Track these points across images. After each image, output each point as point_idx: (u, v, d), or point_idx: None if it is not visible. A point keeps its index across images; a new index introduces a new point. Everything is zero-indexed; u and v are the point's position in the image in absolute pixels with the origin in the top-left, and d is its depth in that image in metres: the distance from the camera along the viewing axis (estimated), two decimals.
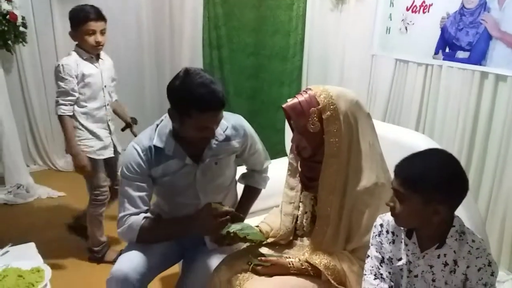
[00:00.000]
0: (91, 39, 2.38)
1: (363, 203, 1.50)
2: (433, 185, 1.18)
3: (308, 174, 1.62)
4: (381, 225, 1.39)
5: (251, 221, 1.83)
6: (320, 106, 1.49)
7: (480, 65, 2.36)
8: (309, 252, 1.57)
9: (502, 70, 2.26)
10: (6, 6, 3.19)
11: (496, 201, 2.37)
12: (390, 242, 1.36)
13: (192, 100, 1.46)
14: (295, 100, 1.53)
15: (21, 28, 3.35)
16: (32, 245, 1.93)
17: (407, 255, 1.32)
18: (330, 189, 1.52)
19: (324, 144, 1.51)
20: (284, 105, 1.54)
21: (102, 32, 2.42)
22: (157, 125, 1.66)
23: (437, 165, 1.22)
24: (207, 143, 1.64)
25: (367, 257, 1.41)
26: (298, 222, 1.68)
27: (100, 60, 2.51)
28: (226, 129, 1.68)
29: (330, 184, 1.52)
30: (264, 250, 1.66)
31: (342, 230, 1.53)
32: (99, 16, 2.40)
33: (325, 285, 1.49)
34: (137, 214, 1.61)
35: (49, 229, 2.93)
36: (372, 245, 1.40)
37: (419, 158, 1.25)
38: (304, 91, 1.56)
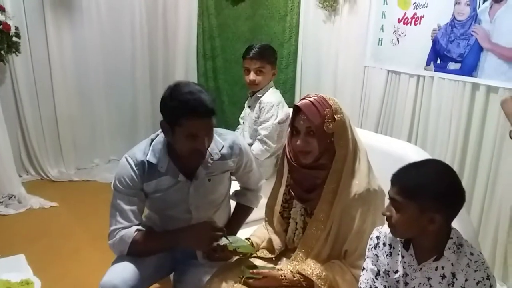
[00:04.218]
0: (246, 77, 2.45)
1: (354, 208, 1.49)
2: (429, 193, 1.18)
3: (307, 184, 1.59)
4: (378, 238, 1.38)
5: (243, 232, 1.82)
6: (332, 108, 1.49)
7: (472, 76, 2.38)
8: (300, 260, 1.56)
9: (493, 81, 2.28)
10: None
11: (489, 211, 2.38)
12: (386, 255, 1.35)
13: (178, 107, 1.47)
14: (307, 100, 1.50)
15: (14, 38, 3.34)
16: (21, 257, 1.91)
17: (403, 267, 1.31)
18: (333, 193, 1.51)
19: (327, 148, 1.49)
20: (299, 103, 1.50)
21: (257, 71, 2.42)
22: (152, 140, 1.66)
23: (435, 174, 1.23)
24: (199, 159, 1.62)
25: (362, 270, 1.40)
26: (287, 237, 1.68)
27: (254, 97, 2.52)
28: (222, 148, 1.68)
29: (333, 189, 1.51)
30: (256, 261, 1.65)
31: (331, 234, 1.52)
32: (255, 55, 2.40)
33: None
34: (129, 227, 1.60)
35: (41, 240, 2.90)
36: (368, 257, 1.39)
37: (416, 167, 1.26)
38: (309, 95, 1.53)
